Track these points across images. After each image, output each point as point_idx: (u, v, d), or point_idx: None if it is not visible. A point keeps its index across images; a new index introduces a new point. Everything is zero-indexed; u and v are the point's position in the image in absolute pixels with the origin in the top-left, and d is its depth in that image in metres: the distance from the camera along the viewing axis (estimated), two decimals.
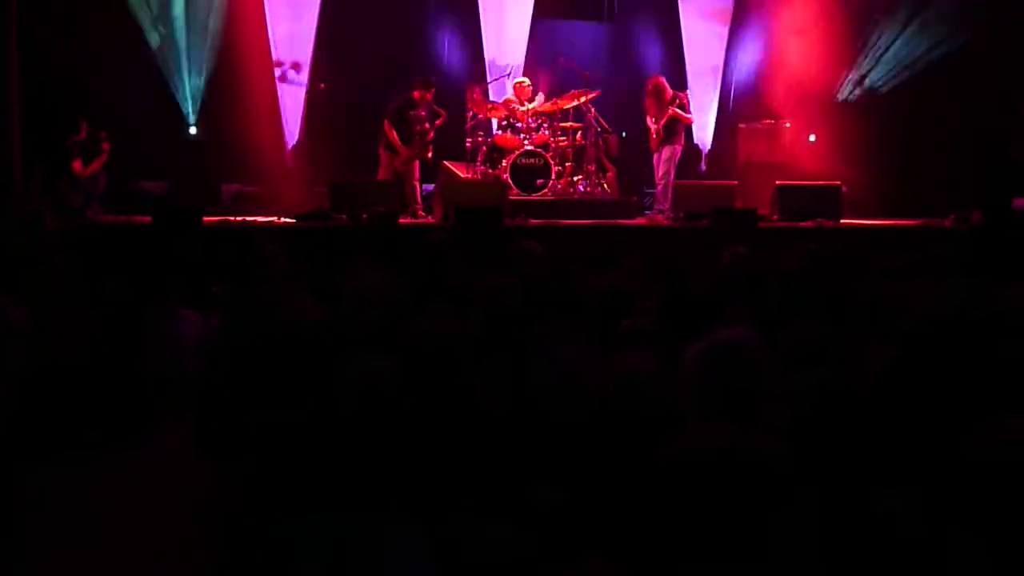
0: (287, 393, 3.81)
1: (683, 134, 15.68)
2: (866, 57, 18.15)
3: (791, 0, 18.05)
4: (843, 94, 18.29)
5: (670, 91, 15.54)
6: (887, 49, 17.92)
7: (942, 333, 4.69)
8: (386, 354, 3.77)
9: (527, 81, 16.48)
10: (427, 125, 15.35)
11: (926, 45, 17.52)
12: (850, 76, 18.26)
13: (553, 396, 3.64)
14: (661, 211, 15.39)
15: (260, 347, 4.36)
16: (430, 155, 15.58)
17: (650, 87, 15.69)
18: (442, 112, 15.54)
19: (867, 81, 18.20)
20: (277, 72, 17.25)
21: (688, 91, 16.49)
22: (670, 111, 15.30)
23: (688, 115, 15.65)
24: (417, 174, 15.55)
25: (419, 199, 15.54)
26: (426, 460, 3.09)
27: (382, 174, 15.42)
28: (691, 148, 17.18)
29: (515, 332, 4.75)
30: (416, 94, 15.40)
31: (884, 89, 18.08)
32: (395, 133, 15.30)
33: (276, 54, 17.51)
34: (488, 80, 17.53)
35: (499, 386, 3.54)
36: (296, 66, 16.80)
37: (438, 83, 15.80)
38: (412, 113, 15.35)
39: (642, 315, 5.48)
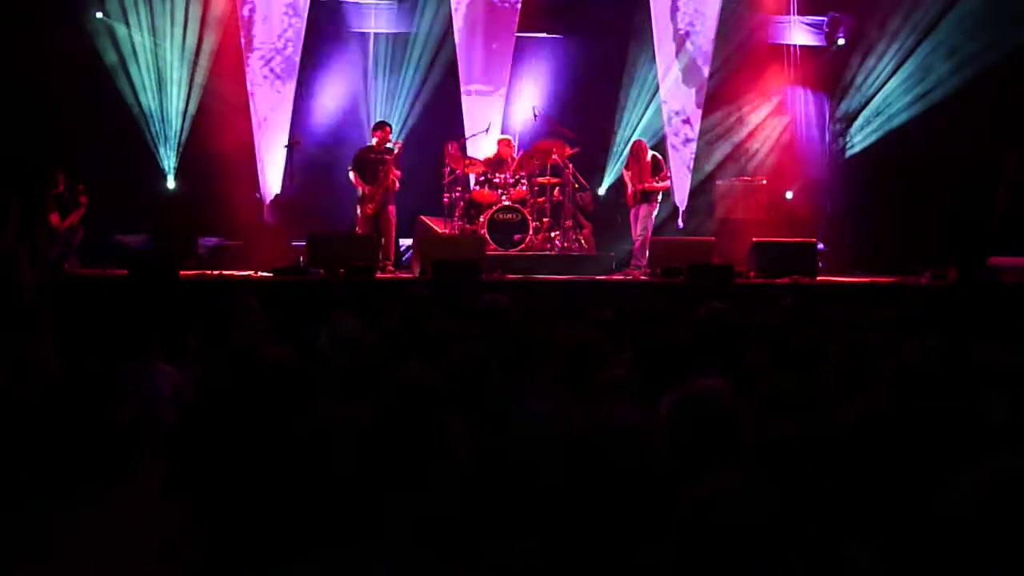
0: (262, 441, 3.81)
1: (660, 192, 15.74)
2: (845, 114, 18.31)
3: (765, 64, 18.27)
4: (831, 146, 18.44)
5: (648, 154, 15.68)
6: (865, 104, 18.09)
7: (915, 387, 4.71)
8: (360, 401, 3.77)
9: (511, 138, 16.58)
10: (387, 160, 15.49)
11: (905, 100, 17.68)
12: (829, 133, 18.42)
13: (529, 446, 3.64)
14: (638, 267, 15.44)
15: (235, 396, 4.35)
16: (397, 186, 15.63)
17: (632, 149, 15.85)
18: (398, 143, 15.86)
19: (846, 137, 18.35)
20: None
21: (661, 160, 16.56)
22: (645, 185, 15.43)
23: (664, 183, 15.76)
24: (394, 227, 15.60)
25: (392, 254, 15.56)
26: (401, 507, 3.09)
27: (361, 227, 15.49)
28: (668, 205, 17.24)
29: (489, 383, 4.75)
30: (376, 137, 15.71)
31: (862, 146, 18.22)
32: (358, 179, 15.47)
33: (255, 108, 17.63)
34: (466, 136, 17.61)
35: (474, 435, 3.54)
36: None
37: (417, 140, 16.00)
38: (372, 157, 15.62)
39: (617, 367, 5.49)
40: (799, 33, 18.63)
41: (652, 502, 3.18)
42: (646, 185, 15.44)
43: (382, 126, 15.91)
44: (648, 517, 3.16)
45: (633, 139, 16.39)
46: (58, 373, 5.27)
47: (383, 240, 15.41)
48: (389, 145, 15.69)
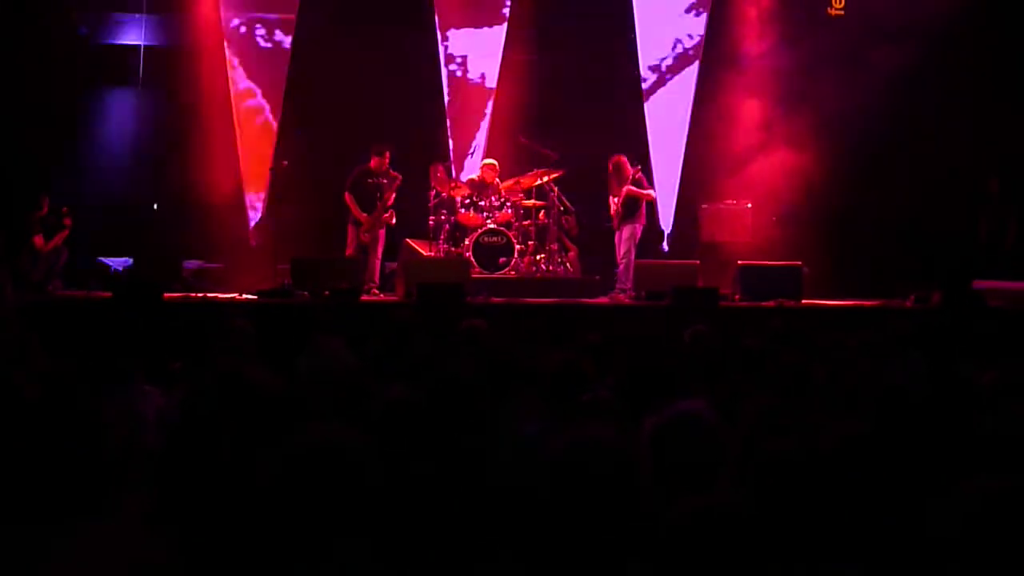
0: (247, 464, 3.79)
1: (644, 212, 15.71)
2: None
3: (750, 84, 18.27)
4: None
5: (630, 168, 15.63)
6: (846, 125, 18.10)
7: (901, 408, 4.71)
8: (344, 424, 3.76)
9: (495, 162, 16.51)
10: (386, 191, 15.41)
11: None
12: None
13: (512, 467, 3.64)
14: (623, 290, 15.42)
15: (221, 420, 4.33)
16: (394, 221, 15.62)
17: (611, 166, 15.77)
18: (397, 176, 15.60)
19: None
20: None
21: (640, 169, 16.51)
22: (626, 189, 15.40)
23: (645, 190, 15.73)
24: (381, 248, 15.55)
25: (377, 277, 15.51)
26: (387, 530, 3.08)
27: (350, 250, 15.44)
28: (653, 228, 17.22)
29: (472, 405, 4.74)
30: (373, 162, 15.49)
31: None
32: (355, 204, 15.37)
33: (239, 127, 17.64)
34: (451, 159, 17.62)
35: (458, 456, 3.53)
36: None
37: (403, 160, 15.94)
38: (371, 181, 15.44)
39: (602, 390, 5.49)
40: (781, 52, 18.59)
41: (636, 522, 3.17)
42: (627, 189, 15.38)
43: (383, 151, 15.58)
44: (632, 537, 3.15)
45: (614, 156, 16.18)
46: (41, 397, 5.24)
47: (369, 262, 15.36)
48: (392, 176, 15.57)
